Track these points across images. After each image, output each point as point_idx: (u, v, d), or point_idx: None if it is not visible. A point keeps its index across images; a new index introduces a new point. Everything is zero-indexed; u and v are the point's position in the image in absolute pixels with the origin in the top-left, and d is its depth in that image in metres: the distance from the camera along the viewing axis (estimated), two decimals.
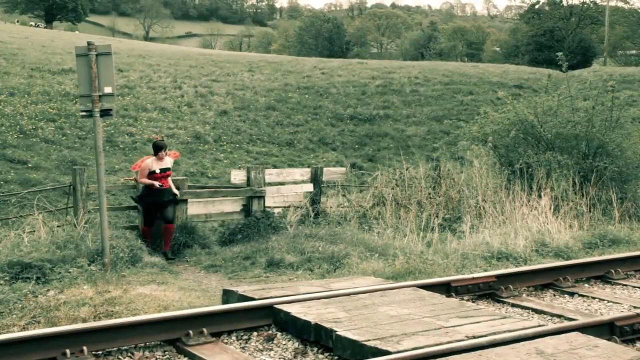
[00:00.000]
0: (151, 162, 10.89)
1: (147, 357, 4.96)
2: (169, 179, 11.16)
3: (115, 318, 6.07)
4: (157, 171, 10.83)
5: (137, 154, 20.28)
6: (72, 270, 8.30)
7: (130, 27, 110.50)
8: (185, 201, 11.51)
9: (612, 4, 55.12)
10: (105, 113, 9.05)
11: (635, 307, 6.19)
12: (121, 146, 20.66)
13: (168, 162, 11.06)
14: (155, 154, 10.96)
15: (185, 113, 24.43)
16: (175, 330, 5.22)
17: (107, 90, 8.88)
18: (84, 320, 6.24)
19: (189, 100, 25.55)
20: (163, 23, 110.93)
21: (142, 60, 31.12)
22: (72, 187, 11.15)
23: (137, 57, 32.15)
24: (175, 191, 11.21)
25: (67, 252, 8.86)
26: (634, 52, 58.98)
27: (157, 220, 11.13)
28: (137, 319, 5.24)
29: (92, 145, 16.54)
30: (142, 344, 5.14)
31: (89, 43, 8.85)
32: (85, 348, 4.75)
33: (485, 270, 8.14)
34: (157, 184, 10.76)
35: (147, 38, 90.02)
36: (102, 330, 5.00)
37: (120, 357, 4.96)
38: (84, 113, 9.08)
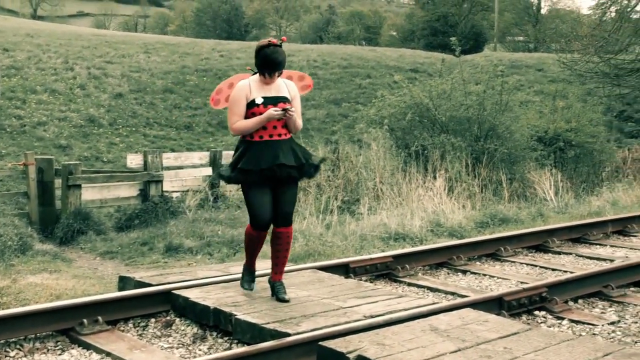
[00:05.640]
0: (248, 86, 5.17)
1: (37, 349, 4.77)
2: (295, 123, 5.16)
3: (2, 309, 5.80)
4: (260, 103, 5.08)
5: (25, 137, 19.41)
6: None
7: (16, 3, 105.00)
8: (79, 186, 11.12)
9: None
10: None
11: (522, 283, 6.49)
12: (8, 130, 19.69)
13: (283, 89, 5.22)
14: (262, 71, 5.12)
15: (78, 95, 23.54)
16: (68, 320, 5.05)
17: None
18: None
19: (81, 82, 24.63)
20: (52, 1, 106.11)
21: (30, 40, 29.68)
22: None
23: (24, 36, 30.63)
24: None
25: None
26: (521, 38, 61.51)
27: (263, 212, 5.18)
28: (27, 310, 5.03)
29: None
30: (32, 335, 4.95)
31: None
32: None
33: (383, 251, 8.31)
34: (273, 111, 5.00)
35: (35, 16, 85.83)
36: None
37: (7, 349, 4.75)
38: None
